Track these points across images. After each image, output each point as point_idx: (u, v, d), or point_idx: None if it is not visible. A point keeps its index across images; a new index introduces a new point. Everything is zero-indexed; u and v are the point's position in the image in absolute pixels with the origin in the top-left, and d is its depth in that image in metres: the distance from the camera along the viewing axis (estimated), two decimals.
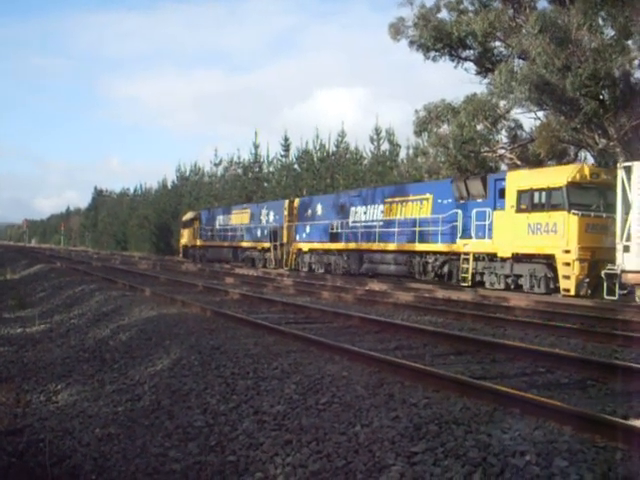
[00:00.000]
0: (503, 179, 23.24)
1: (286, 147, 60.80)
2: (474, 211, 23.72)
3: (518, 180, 22.40)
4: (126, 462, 6.52)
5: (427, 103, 33.50)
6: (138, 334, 11.89)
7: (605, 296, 18.54)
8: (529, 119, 32.47)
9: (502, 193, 22.88)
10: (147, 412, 7.72)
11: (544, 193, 21.18)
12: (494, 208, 23.08)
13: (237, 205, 49.03)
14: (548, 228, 20.83)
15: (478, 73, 33.70)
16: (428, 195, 26.72)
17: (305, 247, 35.12)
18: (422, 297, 18.40)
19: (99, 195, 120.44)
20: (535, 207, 21.44)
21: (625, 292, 18.65)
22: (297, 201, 38.16)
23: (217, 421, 6.89)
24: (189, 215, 53.56)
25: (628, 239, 18.22)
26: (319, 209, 34.69)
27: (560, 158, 32.04)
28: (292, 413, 6.52)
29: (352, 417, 6.04)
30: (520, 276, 22.08)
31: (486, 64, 32.72)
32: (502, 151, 32.84)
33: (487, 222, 23.11)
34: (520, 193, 21.98)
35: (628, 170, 18.51)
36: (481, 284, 23.36)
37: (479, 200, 23.83)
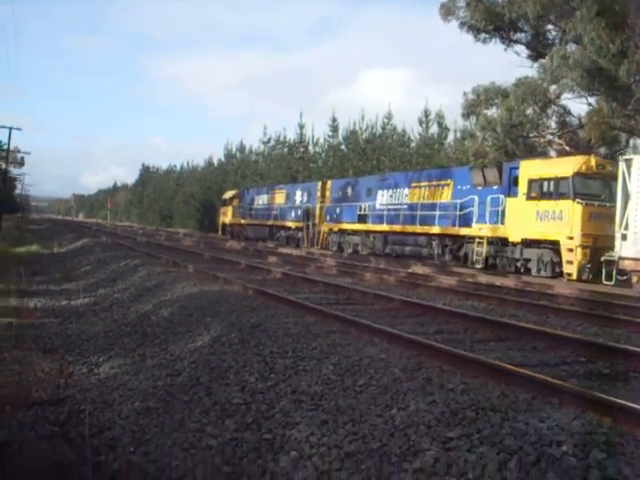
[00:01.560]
0: (517, 168, 24.06)
1: (334, 128, 60.65)
2: (489, 197, 24.73)
3: (530, 169, 23.31)
4: (163, 436, 6.58)
5: (476, 86, 33.12)
6: (180, 310, 11.99)
7: (604, 281, 19.49)
8: (580, 104, 31.90)
9: (516, 181, 23.76)
10: (186, 388, 7.78)
11: (552, 182, 22.16)
12: (507, 195, 24.06)
13: (274, 185, 50.17)
14: (555, 215, 21.82)
15: (529, 57, 33.18)
16: (449, 181, 27.89)
17: (335, 227, 36.33)
18: (465, 282, 18.27)
19: (146, 171, 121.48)
20: (544, 195, 22.41)
21: (624, 278, 19.41)
22: (329, 183, 39.14)
23: (255, 399, 6.92)
24: (229, 194, 54.92)
25: (626, 228, 19.19)
26: (349, 191, 35.63)
27: (611, 145, 31.48)
28: (329, 394, 6.52)
29: (389, 400, 6.03)
30: (529, 260, 22.99)
31: (538, 47, 32.22)
32: (551, 137, 32.36)
33: (500, 208, 24.15)
34: (531, 182, 22.96)
35: (629, 163, 19.45)
36: (494, 267, 24.32)
37: (494, 187, 24.84)
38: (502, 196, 24.25)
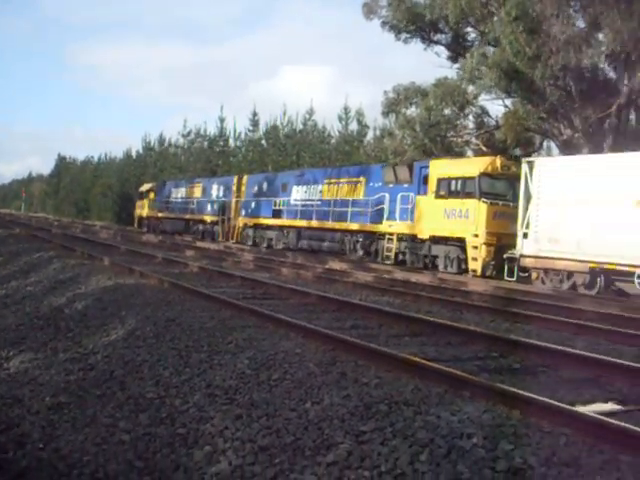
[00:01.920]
0: (427, 167, 24.82)
1: (254, 122, 60.50)
2: (400, 195, 25.31)
3: (439, 168, 24.14)
4: (75, 432, 6.46)
5: (396, 85, 33.53)
6: (94, 303, 11.79)
7: (506, 277, 20.69)
8: (496, 106, 32.58)
9: (426, 180, 24.48)
10: (99, 382, 7.66)
11: (460, 181, 22.89)
12: (417, 193, 24.77)
13: (191, 179, 50.10)
14: (461, 214, 22.59)
15: (449, 57, 33.76)
16: (362, 178, 28.47)
17: (250, 222, 36.67)
18: (381, 278, 18.47)
19: (62, 162, 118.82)
20: (451, 194, 23.14)
21: (526, 275, 20.69)
22: (245, 178, 39.49)
23: (169, 393, 6.86)
24: (146, 186, 54.59)
25: (527, 227, 20.39)
26: (265, 186, 36.07)
27: (525, 146, 32.29)
28: (244, 388, 6.51)
29: (303, 394, 6.05)
30: (436, 256, 23.83)
31: (457, 49, 32.78)
32: (468, 137, 32.97)
33: (410, 206, 24.78)
34: (440, 181, 23.67)
35: (531, 165, 20.74)
36: (404, 263, 25.05)
37: (405, 185, 25.44)
38: (412, 194, 24.86)
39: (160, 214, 49.73)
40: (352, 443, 4.97)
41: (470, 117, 33.10)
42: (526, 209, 20.53)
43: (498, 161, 23.03)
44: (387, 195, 26.08)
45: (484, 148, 31.87)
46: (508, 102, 31.19)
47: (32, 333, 10.86)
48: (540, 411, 5.30)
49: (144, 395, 6.92)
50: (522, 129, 29.15)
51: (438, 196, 23.59)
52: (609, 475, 4.27)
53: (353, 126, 53.99)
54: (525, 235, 20.41)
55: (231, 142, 63.65)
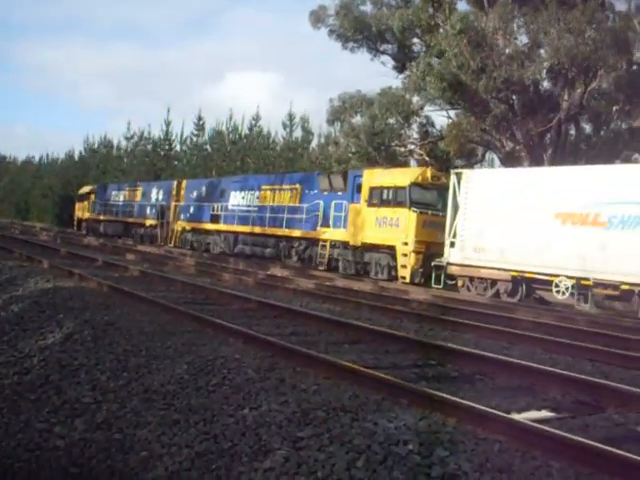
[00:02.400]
0: (361, 176, 25.21)
1: (199, 127, 60.17)
2: (334, 202, 25.75)
3: (372, 178, 24.54)
4: (8, 437, 6.35)
5: (342, 93, 33.76)
6: (31, 306, 11.57)
7: (433, 285, 21.38)
8: (441, 117, 33.06)
9: (359, 188, 24.89)
10: (34, 386, 7.53)
11: (391, 191, 23.39)
12: (351, 201, 25.13)
13: (131, 182, 49.97)
14: (392, 222, 23.09)
15: (394, 68, 34.09)
16: (298, 186, 28.80)
17: (188, 226, 36.97)
18: (322, 285, 18.51)
19: (2, 161, 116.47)
20: (383, 203, 23.62)
21: (453, 282, 21.45)
22: (184, 182, 39.75)
23: (106, 398, 6.78)
24: (86, 189, 54.37)
25: (454, 236, 21.12)
26: (203, 191, 36.34)
27: (468, 158, 32.78)
28: (182, 393, 6.47)
29: (241, 400, 6.04)
30: (368, 263, 24.31)
31: (403, 59, 33.10)
32: (412, 146, 33.31)
33: (343, 213, 25.18)
34: (372, 189, 24.14)
35: (459, 176, 21.49)
36: (336, 269, 25.40)
37: (339, 193, 25.81)
38: (345, 202, 25.29)
39: (100, 217, 49.58)
40: (289, 449, 4.97)
41: (414, 127, 33.49)
42: (454, 219, 21.24)
43: (428, 172, 23.82)
44: (322, 202, 26.48)
45: (427, 158, 32.23)
46: (452, 113, 31.64)
47: None
48: (476, 418, 5.38)
49: (80, 400, 6.83)
50: (465, 140, 29.57)
51: (370, 204, 24.09)
52: None
53: (298, 133, 54.12)
54: (452, 244, 21.14)
55: (177, 146, 63.22)
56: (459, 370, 7.99)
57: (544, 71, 27.83)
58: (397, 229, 22.80)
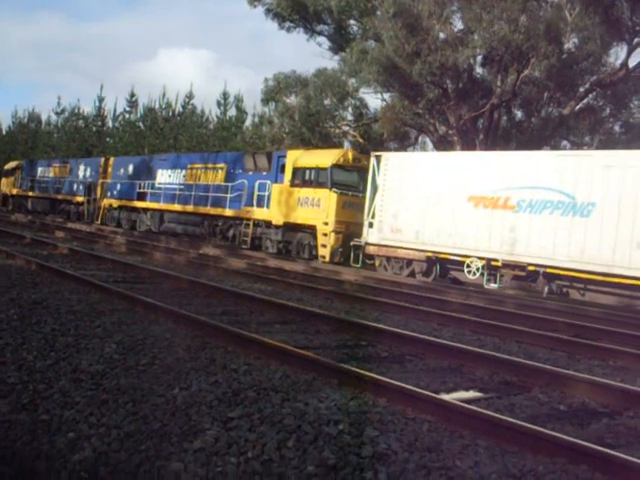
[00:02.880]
0: (285, 156, 25.52)
1: (131, 103, 59.26)
2: (257, 182, 25.99)
3: (295, 158, 24.79)
4: None
5: (277, 73, 33.58)
6: None
7: (352, 263, 22.14)
8: (375, 99, 33.19)
9: (283, 169, 25.27)
10: None
11: (313, 171, 23.76)
12: (274, 181, 25.45)
13: (58, 159, 49.20)
14: (314, 202, 23.51)
15: (330, 49, 34.04)
16: (223, 165, 28.88)
17: (115, 203, 36.66)
18: (254, 265, 18.47)
19: None
20: (305, 183, 24.03)
21: (372, 262, 21.98)
22: (112, 159, 39.41)
23: (32, 378, 6.62)
24: (11, 164, 53.54)
25: (373, 217, 21.73)
26: (130, 169, 36.11)
27: (402, 140, 32.97)
28: (111, 373, 6.37)
29: (171, 380, 5.97)
30: (290, 242, 24.80)
31: (339, 41, 33.07)
32: (346, 128, 33.36)
33: (267, 193, 25.50)
34: (295, 170, 24.48)
35: (378, 158, 21.99)
36: (259, 247, 25.95)
37: (264, 173, 26.08)
38: (269, 182, 25.57)
39: (27, 193, 48.95)
40: (220, 429, 4.94)
41: (349, 109, 33.51)
42: (372, 200, 21.80)
43: (350, 154, 24.22)
44: (246, 182, 26.73)
45: (361, 140, 32.33)
46: (387, 96, 31.75)
47: None
48: (405, 398, 5.44)
49: (5, 380, 6.66)
50: (399, 124, 29.71)
51: (293, 185, 24.47)
52: (467, 459, 4.43)
53: (232, 112, 53.74)
54: (371, 224, 21.75)
55: (109, 123, 62.14)
56: (389, 351, 8.06)
57: (478, 57, 28.10)
58: (318, 209, 23.26)
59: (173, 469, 4.59)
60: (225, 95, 53.66)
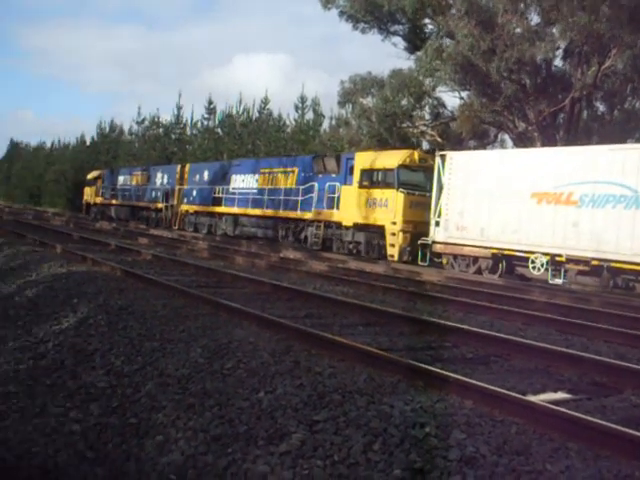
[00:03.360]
0: (353, 158, 26.11)
1: (210, 110, 60.07)
2: (327, 185, 26.63)
3: (363, 160, 25.42)
4: (24, 422, 6.35)
5: (353, 75, 33.57)
6: (45, 291, 11.60)
7: (419, 262, 22.44)
8: (453, 98, 32.85)
9: (351, 170, 25.77)
10: (49, 371, 7.54)
11: (381, 173, 24.32)
12: (344, 183, 26.04)
13: (137, 167, 50.76)
14: (381, 203, 24.03)
15: (406, 49, 33.85)
16: (294, 168, 29.55)
17: (192, 209, 37.96)
18: (335, 267, 18.49)
19: (15, 147, 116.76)
20: (373, 184, 24.58)
21: (439, 260, 22.47)
22: (188, 166, 40.74)
23: (120, 382, 6.78)
24: (93, 174, 55.16)
25: (439, 215, 22.16)
26: (206, 175, 37.21)
27: (481, 139, 32.58)
28: (196, 377, 6.46)
29: (256, 383, 6.02)
30: (359, 243, 25.11)
31: (414, 40, 32.85)
32: (424, 127, 33.12)
33: (336, 195, 26.11)
34: (363, 172, 25.07)
35: (443, 158, 22.39)
36: (330, 248, 26.42)
37: (333, 175, 26.71)
38: (338, 184, 26.14)
39: (108, 201, 50.54)
40: (305, 432, 4.95)
41: (426, 108, 33.27)
42: (438, 199, 22.26)
43: (416, 154, 24.66)
44: (316, 185, 27.30)
45: (439, 139, 32.07)
46: (464, 94, 31.42)
47: None
48: (492, 400, 5.35)
49: (95, 384, 6.84)
50: (477, 122, 29.36)
51: (361, 186, 24.95)
52: (558, 463, 4.32)
53: (309, 115, 53.96)
54: (437, 223, 22.18)
55: (188, 130, 63.21)
56: (474, 352, 7.96)
57: (557, 50, 27.56)
58: (386, 209, 23.69)
59: (260, 472, 4.63)
60: (302, 99, 53.94)
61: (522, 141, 28.71)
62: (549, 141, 27.25)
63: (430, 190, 22.94)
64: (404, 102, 31.71)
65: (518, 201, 19.87)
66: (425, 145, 33.56)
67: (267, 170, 31.61)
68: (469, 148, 29.43)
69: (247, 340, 7.36)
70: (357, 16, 32.72)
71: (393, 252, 23.21)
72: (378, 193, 24.16)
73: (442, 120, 32.90)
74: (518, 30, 26.31)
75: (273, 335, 7.70)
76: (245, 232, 32.42)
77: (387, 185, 23.84)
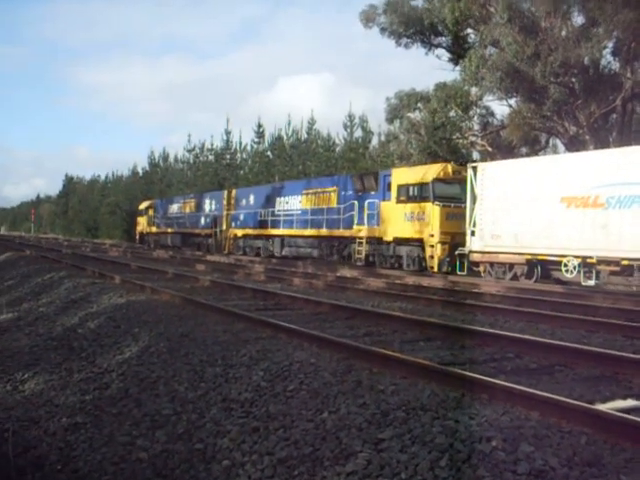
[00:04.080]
0: (390, 175, 26.90)
1: (259, 134, 60.62)
2: (367, 202, 27.49)
3: (399, 176, 26.27)
4: (92, 451, 6.45)
5: (398, 91, 33.66)
6: (107, 322, 11.78)
7: (458, 272, 23.06)
8: (501, 106, 32.64)
9: (389, 187, 26.56)
10: (115, 400, 7.65)
11: (416, 187, 25.08)
12: (382, 199, 26.85)
13: (185, 195, 52.90)
14: (419, 216, 24.79)
15: (450, 60, 33.81)
16: (335, 188, 30.60)
17: (239, 233, 39.38)
18: (393, 283, 18.42)
19: (70, 182, 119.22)
20: (410, 199, 25.34)
21: (478, 269, 22.87)
22: (234, 191, 42.30)
23: (185, 409, 6.84)
24: (145, 204, 57.56)
25: (474, 225, 22.71)
26: (252, 199, 38.63)
27: (532, 145, 32.26)
28: (260, 400, 6.48)
29: (319, 404, 6.01)
30: (400, 257, 26.01)
31: (458, 51, 32.78)
32: (474, 138, 32.95)
33: (376, 211, 26.97)
34: (400, 187, 25.89)
35: (475, 169, 23.01)
36: (373, 263, 27.33)
37: (372, 193, 27.58)
38: (377, 200, 27.02)
39: (158, 229, 52.69)
40: (371, 451, 4.93)
41: (475, 118, 33.12)
42: (472, 209, 22.84)
43: (449, 167, 25.12)
44: (356, 202, 28.19)
45: (490, 149, 31.86)
46: (512, 102, 31.20)
47: (46, 354, 10.87)
48: (559, 411, 5.25)
49: (160, 412, 6.91)
50: (528, 128, 29.11)
51: (399, 201, 25.77)
52: (633, 474, 4.21)
53: (357, 133, 54.07)
54: (472, 233, 22.77)
55: (238, 155, 63.89)
56: (537, 362, 7.84)
57: (603, 50, 27.19)
58: (423, 222, 24.48)
59: None
60: (351, 117, 54.10)
61: (574, 145, 28.34)
62: (602, 143, 26.85)
63: (465, 201, 23.39)
64: (452, 113, 31.62)
65: (548, 206, 20.34)
66: (475, 155, 33.35)
67: (309, 191, 32.60)
68: (520, 155, 29.22)
69: (308, 361, 7.36)
70: (398, 31, 32.80)
71: (433, 263, 23.90)
72: (415, 207, 24.91)
73: (492, 129, 32.70)
74: (563, 33, 26.06)
75: (334, 355, 7.68)
76: (292, 252, 33.43)
77: (423, 199, 24.55)
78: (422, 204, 24.53)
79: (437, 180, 24.42)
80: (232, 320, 10.60)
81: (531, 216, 20.79)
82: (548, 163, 21.77)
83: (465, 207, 23.27)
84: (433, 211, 24.01)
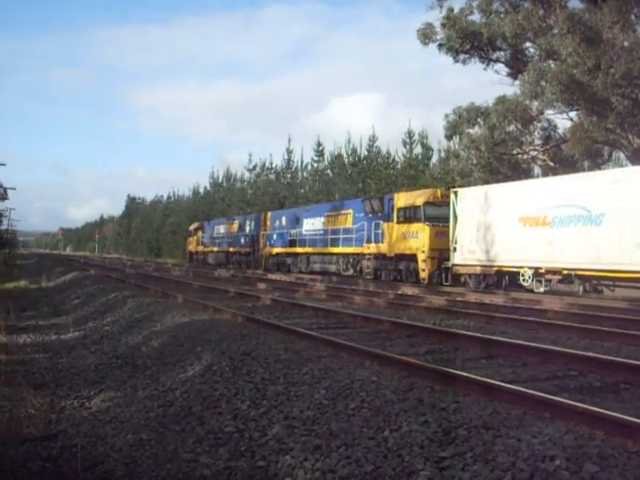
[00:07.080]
0: (392, 199, 30.79)
1: (319, 152, 60.85)
2: (374, 222, 31.41)
3: (399, 200, 30.19)
4: (157, 467, 6.54)
5: (456, 107, 33.49)
6: (170, 340, 11.95)
7: (443, 283, 26.87)
8: (562, 120, 32.14)
9: (392, 209, 30.33)
10: (178, 418, 7.75)
11: (412, 209, 28.99)
12: (387, 220, 30.58)
13: (229, 217, 57.85)
14: (413, 235, 28.51)
15: (509, 74, 33.54)
16: (350, 210, 34.66)
17: (274, 251, 43.58)
18: (454, 301, 18.31)
19: (132, 202, 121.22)
20: (406, 219, 29.21)
21: (463, 281, 26.49)
22: (269, 214, 46.46)
23: (247, 426, 6.89)
24: (194, 225, 62.76)
25: (456, 242, 26.70)
26: (283, 220, 42.91)
27: (595, 159, 31.70)
28: (322, 418, 6.51)
29: (381, 422, 6.01)
30: (401, 270, 29.65)
31: (517, 65, 32.52)
32: (534, 153, 32.59)
33: (381, 231, 30.83)
34: (399, 209, 29.89)
35: (456, 194, 27.04)
36: (380, 277, 30.96)
37: (379, 214, 31.43)
38: (382, 221, 30.82)
39: (206, 249, 57.46)
40: (433, 470, 4.92)
41: (536, 133, 32.75)
42: (455, 229, 26.76)
43: (439, 192, 29.05)
44: (366, 223, 32.11)
45: (551, 163, 31.46)
46: (573, 115, 30.78)
47: (111, 372, 11.08)
48: (625, 430, 5.15)
49: (223, 429, 6.98)
50: (590, 142, 28.65)
51: (399, 222, 29.64)
52: None
53: (417, 150, 53.92)
54: (455, 249, 26.71)
55: (299, 174, 64.26)
56: (602, 380, 7.72)
57: None
58: (417, 240, 28.18)
59: None
60: (410, 134, 53.98)
61: (638, 158, 27.81)
62: None
63: None
64: (511, 128, 31.35)
65: (510, 225, 24.06)
66: (537, 171, 32.98)
67: (331, 213, 36.68)
68: (582, 169, 28.82)
69: (369, 379, 7.36)
70: (456, 47, 32.69)
71: (424, 276, 27.56)
72: (411, 227, 28.64)
73: (553, 143, 32.29)
74: (625, 43, 25.68)
75: (395, 373, 7.67)
76: (315, 269, 37.32)
77: (417, 220, 28.32)
78: (416, 224, 28.27)
79: (427, 203, 28.24)
80: (293, 338, 10.65)
81: (497, 234, 24.65)
82: (510, 188, 25.60)
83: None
84: (424, 230, 27.74)
